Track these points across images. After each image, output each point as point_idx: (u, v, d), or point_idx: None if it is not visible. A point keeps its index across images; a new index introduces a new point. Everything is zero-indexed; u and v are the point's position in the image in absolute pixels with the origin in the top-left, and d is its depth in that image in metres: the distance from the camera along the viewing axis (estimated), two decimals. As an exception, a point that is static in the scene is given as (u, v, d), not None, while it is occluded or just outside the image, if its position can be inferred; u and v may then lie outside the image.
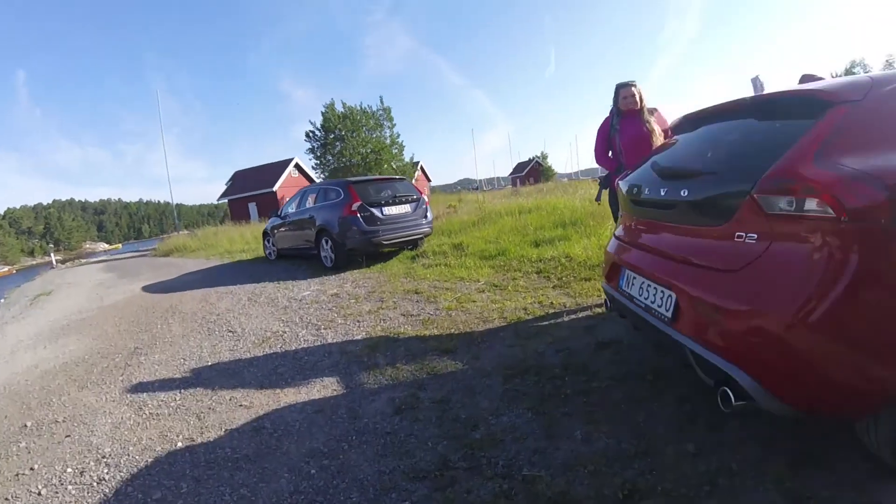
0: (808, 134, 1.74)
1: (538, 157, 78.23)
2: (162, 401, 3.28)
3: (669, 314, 2.07)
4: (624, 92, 3.85)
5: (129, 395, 3.47)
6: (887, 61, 24.77)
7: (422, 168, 55.60)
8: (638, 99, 3.82)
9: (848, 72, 26.11)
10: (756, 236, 1.74)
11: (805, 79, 2.57)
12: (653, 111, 3.88)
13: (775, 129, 2.00)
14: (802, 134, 1.76)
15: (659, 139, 3.67)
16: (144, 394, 3.46)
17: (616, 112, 3.92)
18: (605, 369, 2.86)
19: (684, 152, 2.49)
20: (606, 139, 3.95)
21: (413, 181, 38.39)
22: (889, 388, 1.56)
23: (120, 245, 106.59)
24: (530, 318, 3.98)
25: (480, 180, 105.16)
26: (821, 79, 2.51)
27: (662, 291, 2.15)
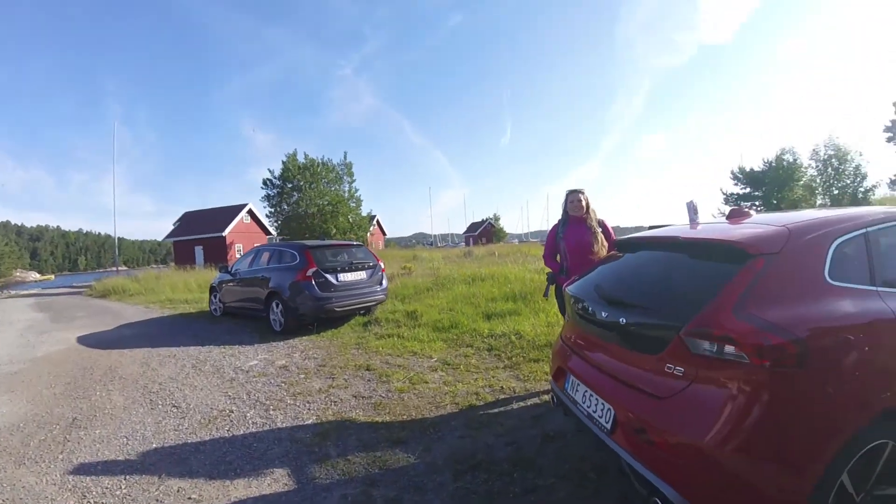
0: (729, 284, 2.02)
1: (491, 219, 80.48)
2: (107, 488, 3.11)
3: (608, 426, 2.27)
4: (572, 197, 4.18)
5: (70, 478, 3.27)
6: (814, 150, 27.46)
7: (378, 222, 55.97)
8: (584, 205, 4.15)
9: (778, 158, 28.47)
10: (683, 370, 1.99)
11: (733, 213, 2.87)
12: (601, 222, 4.19)
13: (701, 273, 2.29)
14: (724, 282, 2.04)
15: (602, 249, 3.99)
16: (88, 477, 3.26)
17: (563, 218, 4.24)
18: (550, 466, 3.00)
19: (623, 279, 2.76)
20: (553, 242, 4.26)
21: (369, 234, 38.60)
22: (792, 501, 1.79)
23: (53, 276, 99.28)
24: (481, 403, 4.10)
25: (435, 236, 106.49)
26: (748, 214, 2.83)
27: (603, 404, 2.35)
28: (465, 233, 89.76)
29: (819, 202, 24.41)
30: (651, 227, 3.29)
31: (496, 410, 3.95)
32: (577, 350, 2.83)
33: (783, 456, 1.79)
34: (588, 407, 2.48)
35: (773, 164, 28.05)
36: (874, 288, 2.12)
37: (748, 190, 30.06)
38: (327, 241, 9.06)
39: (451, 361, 5.44)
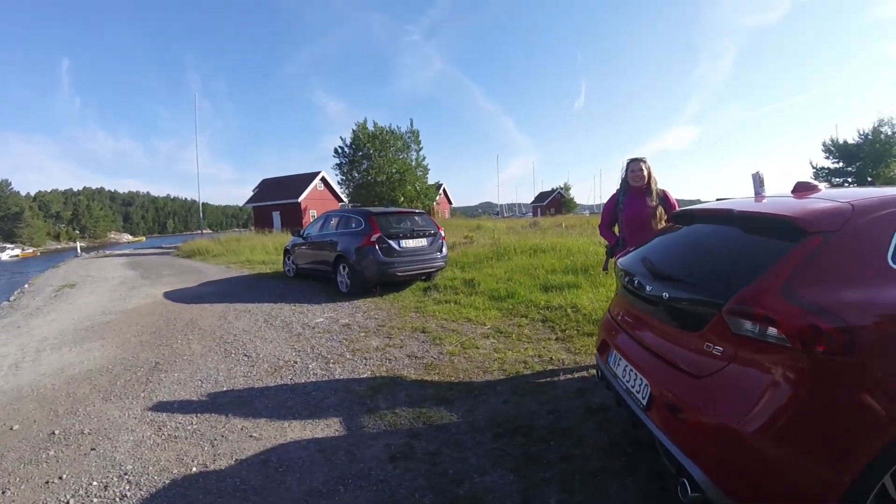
0: (780, 262, 1.92)
1: (561, 189, 78.53)
2: (179, 423, 3.54)
3: (644, 402, 2.27)
4: (633, 166, 4.03)
5: (149, 413, 3.75)
6: None
7: (444, 191, 56.25)
8: (645, 175, 3.99)
9: (875, 130, 25.58)
10: (722, 350, 1.93)
11: (799, 187, 2.69)
12: (662, 193, 4.03)
13: (752, 249, 2.19)
14: (775, 260, 1.94)
15: (661, 222, 3.87)
16: (164, 413, 3.72)
17: (623, 187, 4.12)
18: (589, 436, 3.04)
19: (672, 253, 2.69)
20: (612, 212, 4.17)
21: (435, 202, 39.01)
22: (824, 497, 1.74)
23: (143, 238, 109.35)
24: (529, 372, 4.18)
25: (502, 205, 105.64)
26: (815, 188, 2.64)
27: (641, 379, 2.35)
28: (532, 202, 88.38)
29: None
30: (718, 200, 3.15)
31: (543, 380, 4.01)
32: (621, 324, 2.82)
33: (819, 447, 1.71)
34: (627, 381, 2.48)
35: (870, 137, 25.25)
36: None
37: (841, 164, 27.35)
38: (391, 209, 9.33)
39: (503, 330, 5.53)
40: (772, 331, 1.79)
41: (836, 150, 27.62)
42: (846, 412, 1.72)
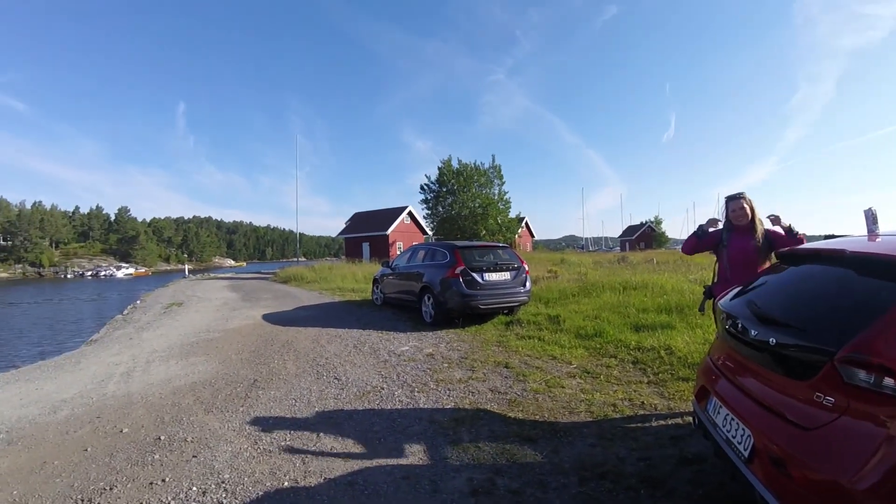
0: None
1: (651, 222, 75.17)
2: (274, 438, 3.78)
3: (746, 453, 2.11)
4: (733, 205, 3.81)
5: (247, 427, 4.04)
6: None
7: (526, 224, 55.95)
8: (748, 211, 3.75)
9: None
10: (833, 401, 1.79)
11: None
12: (775, 220, 3.74)
13: (867, 293, 2.02)
14: (891, 305, 1.79)
15: (766, 260, 3.62)
16: (260, 428, 3.99)
17: (727, 226, 3.89)
18: (681, 488, 2.85)
19: (780, 295, 2.52)
20: (713, 243, 3.96)
21: (517, 235, 38.90)
22: None
23: (244, 263, 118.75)
24: (618, 416, 4.01)
25: (587, 239, 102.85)
26: None
27: (743, 429, 2.20)
28: (620, 236, 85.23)
29: None
30: (827, 237, 2.92)
31: (633, 425, 3.83)
32: (722, 370, 2.65)
33: None
34: (728, 431, 2.33)
35: None
36: None
37: None
38: (475, 242, 9.46)
39: (591, 370, 5.36)
40: (888, 381, 1.65)
41: None
42: None
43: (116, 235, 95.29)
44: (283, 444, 3.67)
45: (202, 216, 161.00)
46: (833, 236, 2.88)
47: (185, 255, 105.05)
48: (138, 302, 15.35)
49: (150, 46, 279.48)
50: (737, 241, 3.79)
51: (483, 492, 2.90)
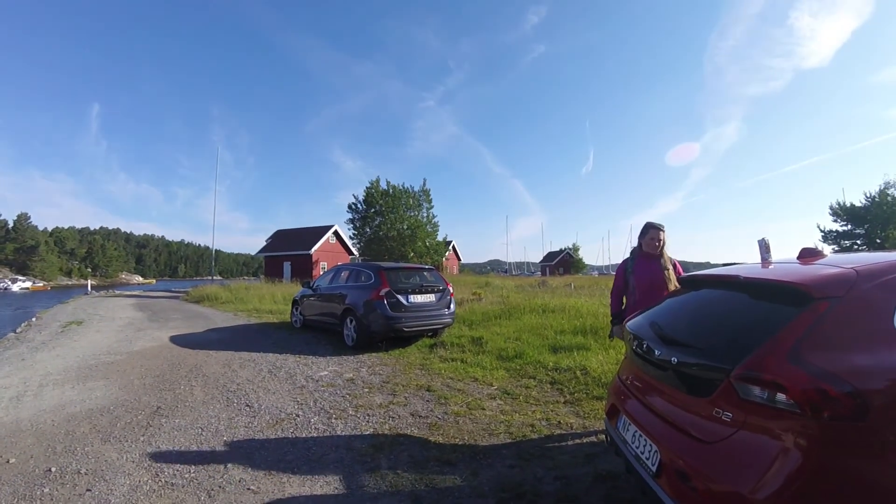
0: (787, 327, 1.93)
1: (569, 249, 78.87)
2: (177, 470, 3.45)
3: (654, 468, 2.20)
4: (653, 234, 4.00)
5: (148, 458, 3.67)
6: None
7: (453, 247, 56.75)
8: (663, 242, 4.00)
9: (882, 193, 25.68)
10: (731, 416, 1.91)
11: (804, 253, 2.72)
12: (672, 261, 4.02)
13: (759, 314, 2.19)
14: (782, 326, 1.95)
15: (672, 284, 3.87)
16: (162, 459, 3.64)
17: (634, 253, 4.12)
18: (598, 506, 2.92)
19: (681, 317, 2.69)
20: (623, 279, 4.14)
21: (444, 258, 39.28)
22: None
23: (154, 280, 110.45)
24: (536, 436, 4.06)
25: (510, 263, 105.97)
26: (820, 254, 2.68)
27: (651, 445, 2.29)
28: (541, 262, 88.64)
29: None
30: (725, 265, 3.17)
31: (550, 445, 3.89)
32: (631, 388, 2.77)
33: None
34: (637, 447, 2.42)
35: (877, 199, 25.36)
36: None
37: (849, 227, 27.34)
38: (401, 264, 9.39)
39: (511, 391, 5.43)
40: (780, 397, 1.78)
41: (844, 213, 27.73)
42: (859, 479, 1.69)
43: (14, 245, 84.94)
44: (187, 476, 3.36)
45: (110, 228, 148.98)
46: (731, 264, 3.12)
47: (89, 270, 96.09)
48: (34, 319, 13.72)
49: (64, 43, 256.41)
50: (644, 267, 4.02)
51: (401, 520, 2.81)
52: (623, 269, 4.18)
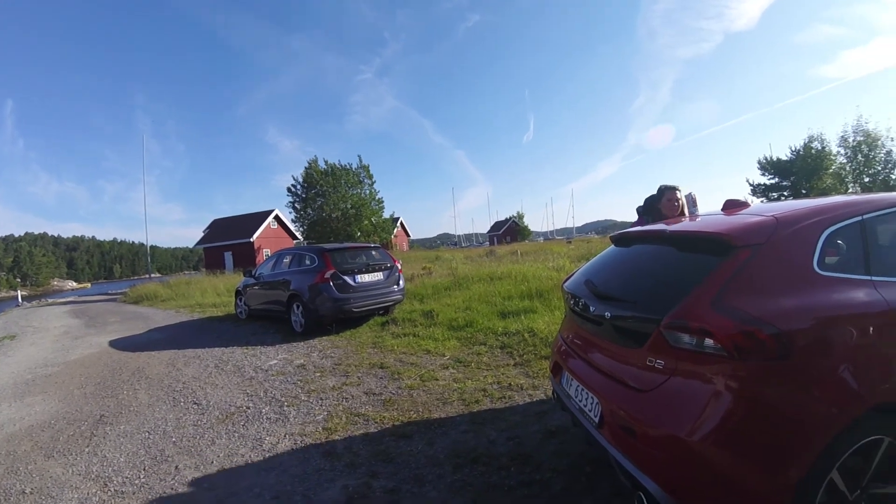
0: (711, 276, 2.01)
1: (515, 217, 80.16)
2: (127, 477, 3.31)
3: (596, 420, 2.30)
4: (669, 195, 3.87)
5: (95, 469, 3.49)
6: (842, 136, 26.10)
7: (402, 224, 56.35)
8: (681, 204, 3.82)
9: (805, 146, 27.40)
10: (663, 363, 2.00)
11: (728, 205, 2.86)
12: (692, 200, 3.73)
13: (686, 266, 2.29)
14: (707, 274, 2.03)
15: None
16: (110, 468, 3.48)
17: (656, 215, 3.89)
18: (548, 461, 3.04)
19: (613, 274, 2.78)
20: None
21: (392, 236, 38.93)
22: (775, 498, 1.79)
23: (89, 284, 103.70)
24: (487, 400, 4.16)
25: (459, 236, 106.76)
26: (745, 205, 2.81)
27: (592, 398, 2.39)
28: (488, 232, 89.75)
29: (850, 190, 23.27)
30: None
31: (502, 406, 4.01)
32: (571, 345, 2.87)
33: (763, 451, 1.77)
34: (580, 401, 2.51)
35: (801, 153, 27.07)
36: (868, 277, 2.07)
37: (776, 180, 29.11)
38: (345, 244, 9.23)
39: (463, 359, 5.51)
40: (708, 342, 1.87)
41: (771, 166, 29.37)
42: (787, 414, 1.80)
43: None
44: (137, 482, 3.23)
45: (36, 233, 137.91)
46: (735, 200, 3.18)
47: (18, 280, 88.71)
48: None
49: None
50: None
51: (359, 497, 2.82)
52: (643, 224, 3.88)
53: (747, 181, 30.80)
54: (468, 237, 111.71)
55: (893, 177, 23.53)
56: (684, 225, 2.68)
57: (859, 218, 2.21)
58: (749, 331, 1.81)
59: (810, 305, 1.93)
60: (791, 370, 1.82)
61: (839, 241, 2.16)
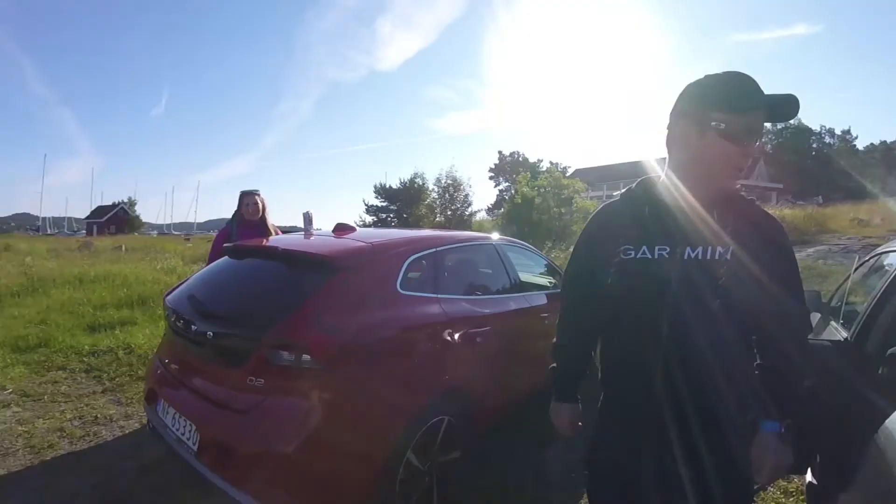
0: (313, 294, 2.22)
1: (125, 204, 68.21)
2: None
3: (195, 448, 2.17)
4: (248, 199, 4.05)
5: None
6: (437, 177, 32.76)
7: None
8: (261, 208, 4.08)
9: (411, 180, 32.84)
10: (263, 382, 2.06)
11: (339, 227, 3.11)
12: (275, 228, 4.19)
13: (293, 283, 2.42)
14: (310, 293, 2.23)
15: None
16: None
17: (237, 218, 4.10)
18: (147, 500, 2.75)
19: (222, 289, 2.73)
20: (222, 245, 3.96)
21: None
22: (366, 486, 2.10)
23: None
24: (65, 442, 3.42)
25: (46, 219, 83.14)
26: (352, 229, 3.13)
27: (190, 426, 2.26)
28: (87, 218, 73.00)
29: (437, 219, 29.85)
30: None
31: (86, 447, 3.36)
32: (169, 369, 2.66)
33: (355, 447, 2.06)
34: (178, 431, 2.33)
35: (407, 185, 32.93)
36: (436, 295, 2.65)
37: (387, 203, 34.34)
38: None
39: (32, 392, 4.32)
40: (305, 357, 2.02)
41: (384, 192, 34.59)
42: (374, 411, 2.15)
43: None
44: None
45: None
46: (295, 228, 3.35)
47: None
48: None
49: None
50: (248, 233, 3.91)
51: None
52: (225, 235, 4.01)
53: (364, 201, 35.26)
54: (58, 222, 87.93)
55: (468, 213, 30.92)
56: (298, 244, 2.87)
57: (434, 249, 2.84)
58: (342, 344, 2.07)
59: (393, 319, 2.36)
60: (376, 374, 2.18)
61: (418, 267, 2.71)
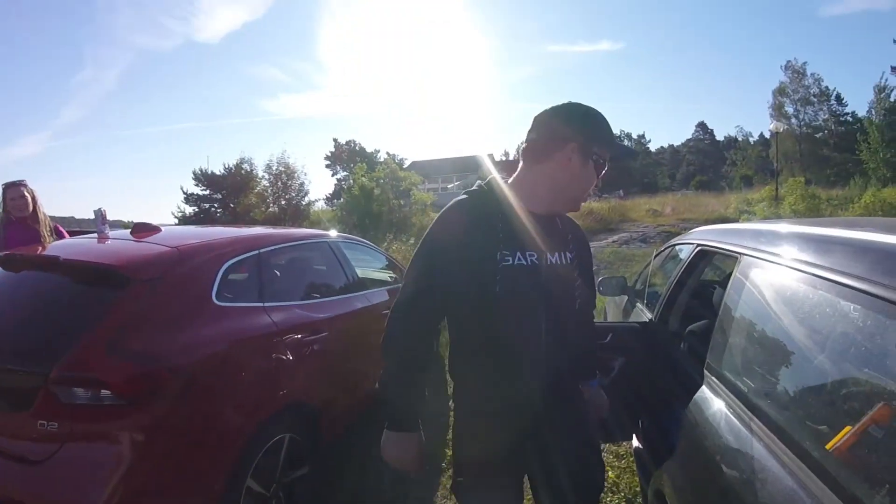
0: (106, 315, 1.82)
1: None
2: None
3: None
4: (12, 192, 3.29)
5: None
6: (268, 164, 29.80)
7: None
8: (30, 202, 3.33)
9: (237, 166, 29.37)
10: (57, 426, 1.66)
11: (139, 228, 2.50)
12: (54, 227, 3.47)
13: (81, 301, 2.00)
14: (102, 314, 1.82)
15: None
16: None
17: (4, 220, 3.36)
18: None
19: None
20: None
21: None
22: None
23: None
24: None
25: None
26: (156, 230, 2.53)
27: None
28: None
29: (271, 209, 27.37)
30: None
31: None
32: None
33: (181, 486, 1.77)
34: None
35: (233, 171, 29.75)
36: (262, 304, 2.30)
37: (209, 192, 30.63)
38: None
39: None
40: (105, 393, 1.68)
41: (205, 178, 30.30)
42: (199, 441, 1.83)
43: None
44: None
45: None
46: (142, 223, 2.60)
47: None
48: None
49: None
50: (19, 234, 3.17)
51: None
52: None
53: (182, 189, 30.91)
54: None
55: (304, 202, 28.75)
56: (83, 251, 2.34)
57: (257, 251, 2.43)
58: (148, 373, 1.73)
59: (210, 336, 1.99)
60: (196, 401, 1.85)
61: (238, 272, 2.34)
